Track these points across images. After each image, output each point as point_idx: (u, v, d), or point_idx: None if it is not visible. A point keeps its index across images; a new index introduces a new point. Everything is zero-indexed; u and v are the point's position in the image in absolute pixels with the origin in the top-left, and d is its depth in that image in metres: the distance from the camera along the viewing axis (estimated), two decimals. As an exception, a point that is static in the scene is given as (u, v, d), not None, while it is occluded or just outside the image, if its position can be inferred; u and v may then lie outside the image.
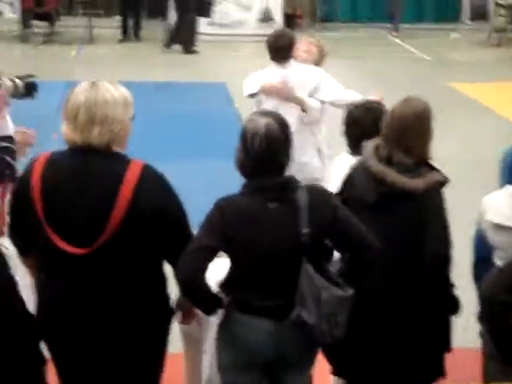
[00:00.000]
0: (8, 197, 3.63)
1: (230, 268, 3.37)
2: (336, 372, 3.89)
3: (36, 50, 15.75)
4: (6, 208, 3.60)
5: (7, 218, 3.56)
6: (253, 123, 3.34)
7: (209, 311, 3.41)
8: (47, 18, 16.77)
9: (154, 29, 17.92)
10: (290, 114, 4.90)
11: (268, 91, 5.84)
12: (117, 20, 17.52)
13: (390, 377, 3.73)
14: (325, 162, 5.80)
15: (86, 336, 3.28)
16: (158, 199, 3.23)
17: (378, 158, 3.65)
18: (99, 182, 3.20)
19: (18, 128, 3.90)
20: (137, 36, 17.14)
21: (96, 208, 3.19)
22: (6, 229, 3.60)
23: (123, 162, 3.25)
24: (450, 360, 3.77)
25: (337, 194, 3.63)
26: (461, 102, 12.19)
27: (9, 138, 3.71)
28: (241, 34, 17.02)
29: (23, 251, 3.44)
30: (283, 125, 3.36)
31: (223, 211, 3.30)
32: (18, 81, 3.93)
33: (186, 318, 3.65)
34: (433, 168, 3.68)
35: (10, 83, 3.89)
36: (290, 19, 19.18)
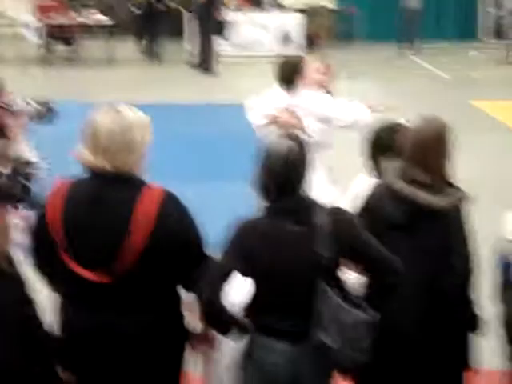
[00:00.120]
0: (26, 221, 3.64)
1: (251, 290, 3.35)
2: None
3: (56, 72, 15.89)
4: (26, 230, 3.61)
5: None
6: (275, 146, 3.35)
7: (224, 331, 3.40)
8: (68, 40, 16.93)
9: (173, 50, 18.04)
10: None
11: (275, 122, 5.80)
12: (136, 42, 17.65)
13: None
14: (329, 187, 5.76)
15: (105, 364, 3.27)
16: (175, 226, 3.22)
17: (403, 179, 3.65)
18: (114, 209, 3.20)
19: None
20: (157, 58, 17.24)
21: (111, 236, 3.18)
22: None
23: (141, 187, 3.24)
24: (477, 382, 3.73)
25: (358, 216, 3.61)
26: (480, 120, 12.14)
27: (27, 163, 3.74)
28: (260, 56, 17.07)
29: (49, 277, 3.43)
30: (303, 148, 3.37)
31: (244, 233, 3.30)
32: (36, 106, 3.96)
33: (201, 343, 3.60)
34: (452, 185, 3.69)
35: (30, 108, 3.93)
36: (310, 39, 19.25)
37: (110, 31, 17.12)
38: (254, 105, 5.97)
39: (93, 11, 17.82)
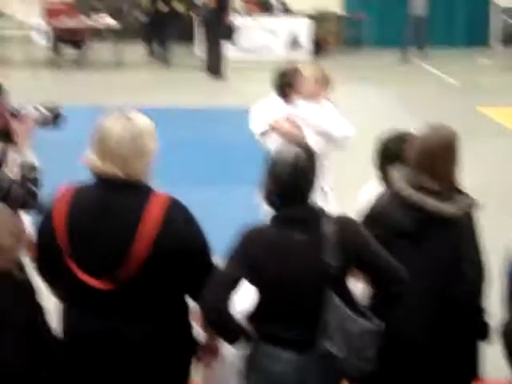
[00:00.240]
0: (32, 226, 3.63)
1: (256, 299, 3.33)
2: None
3: (65, 75, 15.91)
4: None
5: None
6: (282, 153, 3.32)
7: (232, 340, 3.36)
8: (77, 44, 16.96)
9: (182, 54, 18.07)
10: None
11: (278, 130, 5.77)
12: (145, 46, 17.69)
13: None
14: (327, 199, 5.72)
15: (109, 371, 3.24)
16: (182, 235, 3.20)
17: (411, 186, 3.63)
18: (121, 216, 3.18)
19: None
20: (165, 62, 17.27)
21: (117, 243, 3.16)
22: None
23: (147, 194, 3.22)
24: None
25: (365, 224, 3.59)
26: (490, 127, 12.10)
27: (33, 167, 3.72)
28: (268, 60, 17.07)
29: (51, 283, 3.42)
30: (311, 155, 3.34)
31: (250, 242, 3.27)
32: (44, 111, 3.94)
33: (210, 355, 3.58)
34: (461, 192, 3.68)
35: (36, 113, 3.91)
36: (318, 44, 19.26)
37: (118, 35, 17.15)
38: (256, 113, 5.96)
39: (102, 15, 17.85)
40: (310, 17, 19.00)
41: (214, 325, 3.32)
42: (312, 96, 5.89)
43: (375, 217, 3.69)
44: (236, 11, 17.63)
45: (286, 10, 19.28)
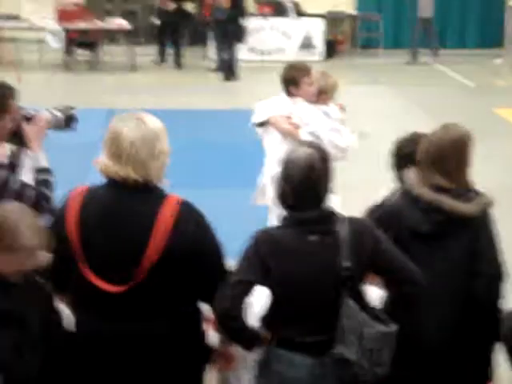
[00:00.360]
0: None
1: (270, 302, 3.29)
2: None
3: (78, 78, 15.94)
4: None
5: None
6: (294, 154, 3.28)
7: (248, 346, 3.33)
8: (90, 46, 16.99)
9: (194, 56, 18.07)
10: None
11: (275, 124, 5.78)
12: (157, 50, 17.70)
13: None
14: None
15: (120, 375, 3.22)
16: (193, 238, 3.17)
17: (426, 186, 3.61)
18: (135, 220, 3.16)
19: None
20: (178, 64, 17.27)
21: (131, 246, 3.14)
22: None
23: (160, 198, 3.20)
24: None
25: (378, 225, 3.56)
26: (505, 129, 12.03)
27: (45, 170, 3.70)
28: (281, 61, 17.05)
29: (59, 288, 3.38)
30: (324, 156, 3.30)
31: (261, 244, 3.23)
32: (57, 113, 3.93)
33: (226, 362, 3.54)
34: (477, 192, 3.66)
35: (49, 115, 3.89)
36: (331, 46, 19.21)
37: (131, 37, 17.16)
38: (260, 107, 5.95)
39: (115, 17, 17.88)
40: (323, 18, 18.96)
41: (229, 331, 3.29)
42: (313, 100, 5.86)
43: (390, 218, 3.66)
44: (249, 12, 17.59)
45: (299, 12, 19.24)
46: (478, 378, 3.69)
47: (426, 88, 15.27)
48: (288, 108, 5.84)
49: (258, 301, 3.33)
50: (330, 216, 3.26)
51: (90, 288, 3.18)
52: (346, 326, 3.16)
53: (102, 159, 3.21)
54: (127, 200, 3.18)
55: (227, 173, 9.37)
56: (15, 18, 17.11)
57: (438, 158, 3.62)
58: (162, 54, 17.55)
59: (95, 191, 3.26)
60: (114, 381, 3.24)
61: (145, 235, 3.12)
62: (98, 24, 16.81)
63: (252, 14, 17.64)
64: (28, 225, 3.06)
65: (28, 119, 3.80)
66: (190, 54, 18.07)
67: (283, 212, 3.32)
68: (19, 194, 3.58)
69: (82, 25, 16.55)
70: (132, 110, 3.30)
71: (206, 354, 3.41)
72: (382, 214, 3.70)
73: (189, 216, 3.20)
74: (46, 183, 3.63)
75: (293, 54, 17.77)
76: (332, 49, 19.21)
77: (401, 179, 4.00)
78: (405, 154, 3.94)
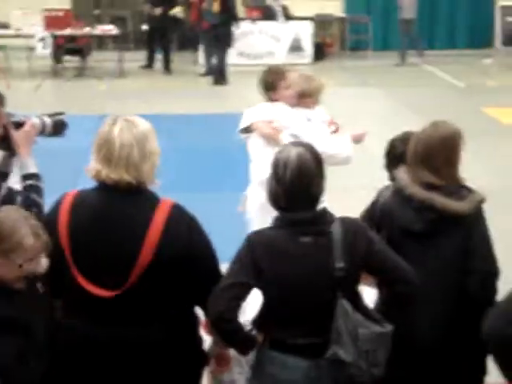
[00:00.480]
0: None
1: (263, 304, 3.27)
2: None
3: (67, 84, 15.90)
4: None
5: None
6: (285, 153, 3.25)
7: (243, 350, 3.31)
8: (79, 52, 16.96)
9: (184, 61, 18.05)
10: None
11: (257, 130, 5.76)
12: (146, 56, 17.68)
13: None
14: None
15: (114, 381, 3.20)
16: (185, 241, 3.16)
17: (417, 184, 3.60)
18: (127, 223, 3.14)
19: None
20: (167, 69, 17.25)
21: (123, 250, 3.12)
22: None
23: (152, 201, 3.19)
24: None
25: (370, 224, 3.55)
26: (494, 128, 12.06)
27: (34, 176, 3.68)
28: (270, 65, 17.04)
29: (55, 294, 3.35)
30: (316, 155, 3.27)
31: (254, 246, 3.20)
32: (46, 119, 3.90)
33: (220, 365, 3.52)
34: (469, 189, 3.65)
35: (38, 121, 3.87)
36: (320, 48, 19.22)
37: (120, 43, 17.13)
38: (245, 114, 5.94)
39: (104, 23, 17.84)
40: (312, 21, 18.97)
41: (224, 334, 3.25)
42: (294, 104, 5.81)
43: (382, 217, 3.66)
44: (239, 17, 17.59)
45: (287, 15, 19.25)
46: (473, 375, 3.67)
47: (416, 89, 15.28)
48: (270, 113, 5.82)
49: (253, 304, 3.31)
50: (323, 217, 3.24)
51: (81, 293, 3.15)
52: (341, 327, 3.14)
53: (92, 164, 3.19)
54: (119, 203, 3.16)
55: (216, 177, 9.37)
56: (4, 25, 17.05)
57: (426, 156, 3.61)
58: (150, 59, 17.53)
59: (86, 195, 3.24)
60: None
61: (137, 239, 3.10)
62: (85, 30, 16.77)
63: (241, 19, 17.64)
64: (28, 228, 3.04)
65: (17, 125, 3.78)
66: (179, 59, 18.04)
67: (266, 222, 3.30)
68: (8, 200, 3.55)
69: (69, 31, 16.51)
70: (122, 116, 3.28)
71: (202, 360, 3.39)
72: (374, 214, 3.70)
73: (181, 219, 3.18)
74: (35, 189, 3.61)
75: (282, 58, 17.77)
76: (321, 51, 19.22)
77: (394, 179, 4.01)
78: (397, 154, 3.94)
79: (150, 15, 17.16)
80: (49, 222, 3.23)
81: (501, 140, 11.17)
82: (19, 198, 3.57)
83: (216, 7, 15.67)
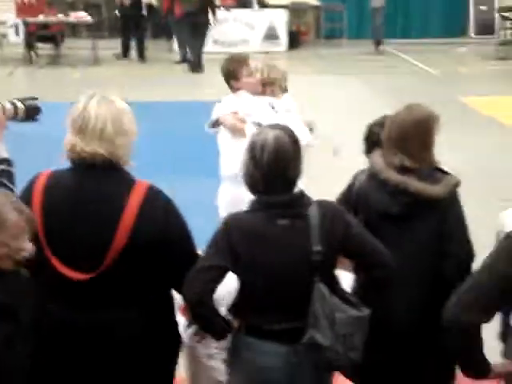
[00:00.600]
0: None
1: (239, 289, 3.23)
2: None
3: (40, 72, 15.76)
4: None
5: None
6: (262, 135, 3.21)
7: (218, 335, 3.28)
8: (52, 40, 16.81)
9: (158, 49, 17.96)
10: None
11: (223, 123, 5.76)
12: (120, 44, 17.56)
13: None
14: None
15: (90, 364, 3.16)
16: (161, 224, 3.12)
17: (391, 168, 3.59)
18: (102, 205, 3.10)
19: None
20: (141, 57, 17.15)
21: (98, 234, 3.08)
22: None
23: (128, 182, 3.15)
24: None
25: (347, 208, 3.52)
26: (468, 116, 12.13)
27: (6, 161, 3.63)
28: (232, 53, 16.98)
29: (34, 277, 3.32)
30: (293, 137, 3.23)
31: (230, 229, 3.16)
32: (18, 104, 3.84)
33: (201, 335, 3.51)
34: (444, 172, 3.65)
35: (10, 106, 3.81)
36: (295, 36, 19.20)
37: (95, 30, 17.01)
38: (214, 109, 5.92)
39: (78, 11, 17.69)
40: (286, 9, 18.93)
41: (199, 318, 3.22)
42: (257, 92, 5.77)
43: (357, 200, 3.65)
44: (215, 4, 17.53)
45: (262, 3, 19.20)
46: (449, 359, 3.68)
47: (390, 77, 15.33)
48: (234, 104, 5.79)
49: (228, 287, 3.28)
50: (301, 199, 3.21)
51: (56, 276, 3.11)
52: (318, 311, 3.11)
53: (68, 137, 3.14)
54: (94, 183, 3.12)
55: (191, 163, 9.35)
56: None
57: (401, 139, 3.59)
58: (125, 47, 17.42)
59: (60, 175, 3.19)
60: (84, 370, 3.18)
61: (112, 222, 3.07)
62: (58, 17, 16.62)
63: (215, 7, 17.56)
64: (10, 204, 2.97)
65: None
66: (154, 46, 17.95)
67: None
68: None
69: (42, 18, 16.35)
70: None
71: (178, 344, 3.36)
72: (351, 198, 3.69)
73: (157, 202, 3.15)
74: (6, 174, 3.55)
75: (257, 46, 17.76)
76: (296, 39, 19.21)
77: None
78: (376, 139, 3.93)
79: (121, 3, 17.05)
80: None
81: (473, 127, 11.22)
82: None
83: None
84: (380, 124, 3.98)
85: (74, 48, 17.28)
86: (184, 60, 16.43)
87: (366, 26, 19.65)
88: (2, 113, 3.69)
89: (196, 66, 15.81)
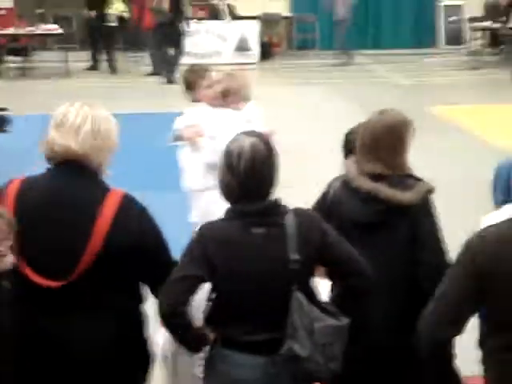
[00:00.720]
0: None
1: (214, 300, 3.17)
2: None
3: (11, 84, 15.65)
4: None
5: None
6: (237, 143, 3.16)
7: (193, 348, 3.21)
8: (22, 52, 16.70)
9: (129, 61, 17.91)
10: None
11: (181, 137, 5.71)
12: (89, 56, 17.51)
13: None
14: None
15: (60, 371, 3.12)
16: (136, 236, 3.09)
17: (363, 175, 3.57)
18: (76, 213, 3.06)
19: None
20: (112, 69, 17.10)
21: (71, 241, 3.04)
22: None
23: (103, 190, 3.12)
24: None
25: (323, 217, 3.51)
26: (440, 125, 12.20)
27: None
28: (218, 64, 16.99)
29: None
30: (269, 145, 3.20)
31: (206, 241, 3.11)
32: (-10, 116, 3.82)
33: None
34: (417, 179, 3.62)
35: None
36: (267, 47, 19.25)
37: (66, 42, 16.93)
38: (176, 121, 5.89)
39: (48, 23, 17.61)
40: (259, 20, 18.98)
41: (174, 330, 3.14)
42: (216, 103, 5.66)
43: (331, 208, 3.62)
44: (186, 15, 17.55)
45: (233, 14, 19.23)
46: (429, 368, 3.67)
47: (361, 87, 15.41)
48: (193, 116, 5.73)
49: (199, 298, 3.24)
50: (276, 208, 3.17)
51: (27, 283, 3.07)
52: (296, 322, 3.06)
53: (48, 133, 3.14)
54: (68, 189, 3.09)
55: (162, 175, 9.32)
56: None
57: (373, 146, 3.56)
58: (94, 60, 17.36)
59: (34, 181, 3.16)
60: (55, 377, 3.13)
61: (86, 229, 3.03)
62: (29, 29, 16.53)
63: (187, 18, 17.58)
64: None
65: None
66: (125, 58, 17.90)
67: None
68: None
69: (12, 30, 16.26)
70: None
71: (147, 360, 3.31)
72: (325, 205, 3.67)
73: (131, 211, 3.12)
74: None
75: (229, 57, 17.76)
76: (268, 51, 19.25)
77: None
78: (351, 147, 3.91)
79: (88, 16, 17.02)
80: None
81: (442, 136, 11.27)
82: None
83: (166, 5, 15.60)
84: (355, 132, 3.97)
85: (45, 60, 17.18)
86: (155, 72, 16.39)
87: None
88: None
89: (171, 76, 15.78)
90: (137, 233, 3.09)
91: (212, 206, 5.33)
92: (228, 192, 3.17)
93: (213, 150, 5.41)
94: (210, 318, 3.20)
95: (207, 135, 5.52)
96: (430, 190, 3.60)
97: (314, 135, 10.80)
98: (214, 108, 5.68)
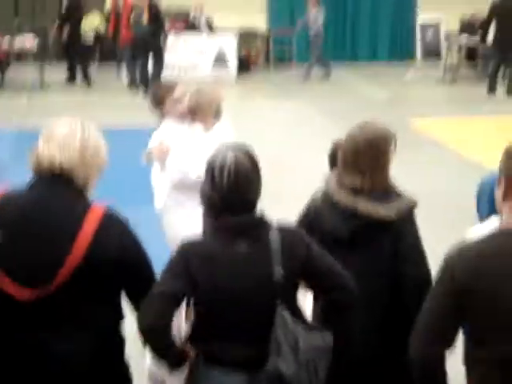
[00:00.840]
0: None
1: (196, 316, 3.12)
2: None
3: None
4: None
5: None
6: (220, 156, 3.12)
7: (173, 365, 3.13)
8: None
9: (105, 74, 17.84)
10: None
11: (151, 154, 5.65)
12: (66, 69, 17.42)
13: None
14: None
15: None
16: (117, 253, 3.03)
17: (343, 189, 3.51)
18: (55, 227, 3.00)
19: None
20: (87, 82, 17.02)
21: (50, 254, 2.98)
22: None
23: (85, 205, 3.07)
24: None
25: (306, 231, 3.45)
26: (419, 139, 12.23)
27: None
28: (195, 77, 16.97)
29: None
30: (252, 158, 3.15)
31: (188, 257, 3.05)
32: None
33: None
34: (399, 194, 3.56)
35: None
36: (245, 61, 19.25)
37: (42, 55, 16.83)
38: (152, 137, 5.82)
39: (26, 35, 17.49)
40: (236, 34, 18.98)
41: (153, 347, 3.07)
42: (185, 119, 5.54)
43: (312, 223, 3.56)
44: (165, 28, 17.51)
45: (211, 27, 19.23)
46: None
47: (338, 100, 15.44)
48: (161, 132, 5.66)
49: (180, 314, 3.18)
50: (260, 222, 3.12)
51: (3, 296, 3.00)
52: (280, 338, 3.01)
53: (37, 148, 3.11)
54: (50, 204, 3.03)
55: (141, 190, 9.24)
56: None
57: (354, 159, 3.50)
58: (71, 72, 17.27)
59: (13, 195, 3.11)
60: None
61: (67, 242, 2.97)
62: (3, 43, 16.42)
63: (165, 31, 17.53)
64: None
65: None
66: (101, 71, 17.83)
67: None
68: None
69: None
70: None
71: (125, 377, 3.25)
72: (307, 219, 3.62)
73: (113, 224, 3.07)
74: None
75: (206, 70, 17.74)
76: (245, 64, 19.26)
77: None
78: (335, 161, 3.87)
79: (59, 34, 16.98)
80: None
81: (418, 150, 11.28)
82: None
83: (145, 19, 15.58)
84: (339, 145, 3.92)
85: (21, 73, 17.07)
86: (132, 85, 16.33)
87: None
88: None
89: (145, 90, 15.72)
90: (118, 248, 3.04)
91: (178, 225, 5.27)
92: (210, 206, 3.13)
93: (177, 169, 5.37)
94: (193, 334, 3.13)
95: (172, 153, 5.43)
96: (413, 205, 3.54)
97: (291, 149, 10.79)
98: (181, 124, 5.58)
